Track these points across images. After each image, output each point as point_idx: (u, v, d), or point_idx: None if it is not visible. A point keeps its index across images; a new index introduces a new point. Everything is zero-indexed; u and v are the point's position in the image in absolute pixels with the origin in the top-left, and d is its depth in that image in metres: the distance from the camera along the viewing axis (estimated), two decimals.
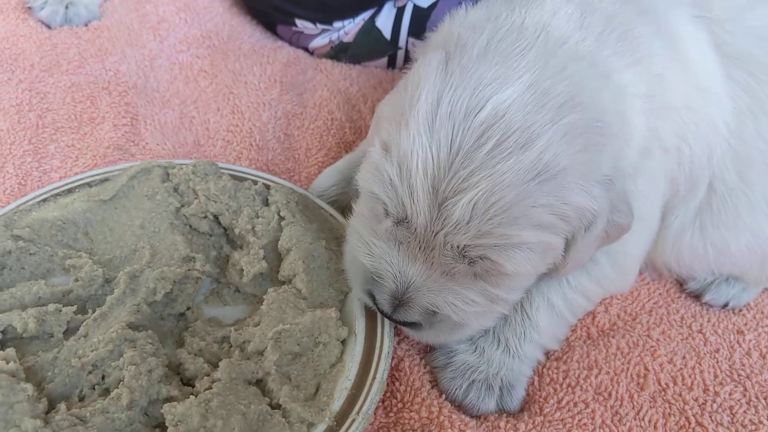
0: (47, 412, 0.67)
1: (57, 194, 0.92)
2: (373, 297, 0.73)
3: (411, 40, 1.29)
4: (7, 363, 0.68)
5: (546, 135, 0.61)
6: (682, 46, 0.80)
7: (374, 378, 0.75)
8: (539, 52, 0.66)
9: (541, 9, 0.71)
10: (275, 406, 0.71)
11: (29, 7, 1.37)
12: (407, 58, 1.32)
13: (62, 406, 0.67)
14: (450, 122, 0.61)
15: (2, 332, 0.74)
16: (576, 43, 0.69)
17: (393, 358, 0.82)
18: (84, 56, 1.27)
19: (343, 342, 0.79)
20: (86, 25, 1.36)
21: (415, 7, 1.27)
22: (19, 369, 0.68)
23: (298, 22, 1.33)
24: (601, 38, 0.71)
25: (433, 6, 1.26)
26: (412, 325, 0.73)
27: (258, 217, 0.89)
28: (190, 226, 0.89)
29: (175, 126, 1.16)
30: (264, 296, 0.82)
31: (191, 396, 0.69)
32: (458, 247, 0.63)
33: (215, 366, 0.74)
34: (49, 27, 1.36)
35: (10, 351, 0.70)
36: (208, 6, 1.45)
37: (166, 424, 0.66)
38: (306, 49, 1.39)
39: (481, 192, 0.59)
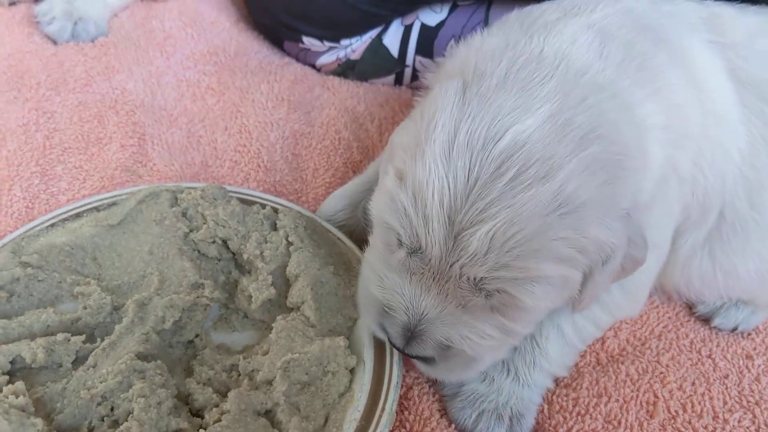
0: None
1: (65, 219, 0.92)
2: (386, 330, 0.71)
3: (418, 58, 1.29)
4: (17, 397, 0.68)
5: (567, 167, 0.59)
6: (698, 75, 0.79)
7: (383, 408, 0.74)
8: (559, 81, 0.64)
9: (560, 37, 0.70)
10: None
11: (37, 22, 1.37)
12: (414, 76, 1.32)
13: None
14: (468, 152, 0.60)
15: (11, 362, 0.73)
16: (596, 73, 0.68)
17: (402, 386, 0.81)
18: (91, 74, 1.27)
19: (352, 371, 0.79)
20: (93, 41, 1.36)
21: (423, 26, 1.27)
22: (28, 403, 0.68)
23: (305, 39, 1.32)
24: (621, 68, 0.70)
25: (440, 24, 1.26)
26: (425, 359, 0.71)
27: (266, 242, 0.89)
28: (199, 251, 0.89)
29: (182, 146, 1.16)
30: (272, 323, 0.82)
31: (201, 429, 0.69)
32: (475, 279, 0.62)
33: (224, 395, 0.74)
34: (55, 43, 1.35)
35: (20, 384, 0.70)
36: (215, 21, 1.45)
37: None
38: (313, 66, 1.38)
39: (499, 223, 0.58)
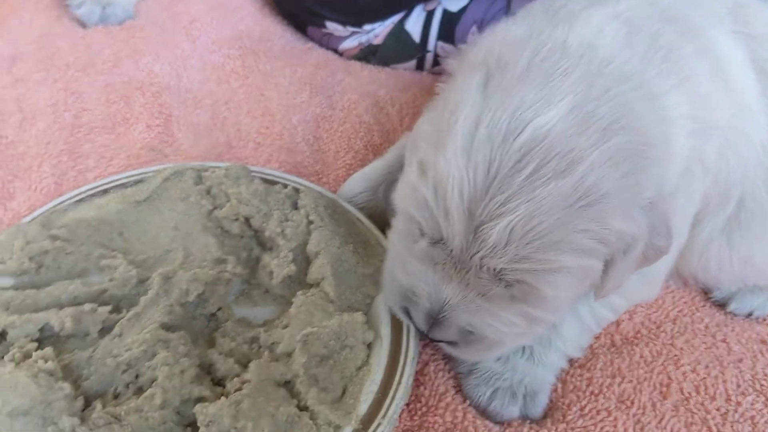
0: (83, 410, 0.70)
1: (92, 195, 0.94)
2: (409, 314, 0.73)
3: (440, 43, 1.30)
4: (46, 362, 0.70)
5: (588, 159, 0.59)
6: (723, 65, 0.79)
7: (400, 382, 0.76)
8: (583, 72, 0.64)
9: (586, 26, 0.70)
10: (303, 408, 0.72)
11: (67, 5, 1.39)
12: (436, 62, 1.33)
13: (98, 404, 0.70)
14: (488, 145, 0.60)
15: (40, 330, 0.76)
16: (621, 63, 0.67)
17: (418, 362, 0.83)
18: (118, 56, 1.29)
19: (369, 345, 0.81)
20: (120, 24, 1.39)
21: (445, 11, 1.28)
22: (57, 368, 0.71)
23: (328, 24, 1.34)
24: (647, 58, 0.69)
25: (462, 10, 1.26)
26: (449, 342, 0.72)
27: (287, 221, 0.91)
28: (222, 228, 0.91)
29: (207, 127, 1.18)
30: (293, 298, 0.84)
31: (222, 397, 0.71)
32: (495, 270, 0.63)
33: (245, 366, 0.76)
34: (83, 26, 1.38)
35: (48, 350, 0.72)
36: (240, 6, 1.47)
37: (198, 424, 0.68)
38: (336, 51, 1.40)
39: (518, 217, 0.59)
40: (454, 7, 1.27)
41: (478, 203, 0.60)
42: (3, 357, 0.72)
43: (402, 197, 0.70)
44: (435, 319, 0.69)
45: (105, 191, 0.95)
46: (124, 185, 0.96)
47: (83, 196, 0.94)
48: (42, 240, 0.84)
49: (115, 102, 1.20)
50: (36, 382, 0.67)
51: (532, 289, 0.63)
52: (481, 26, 1.26)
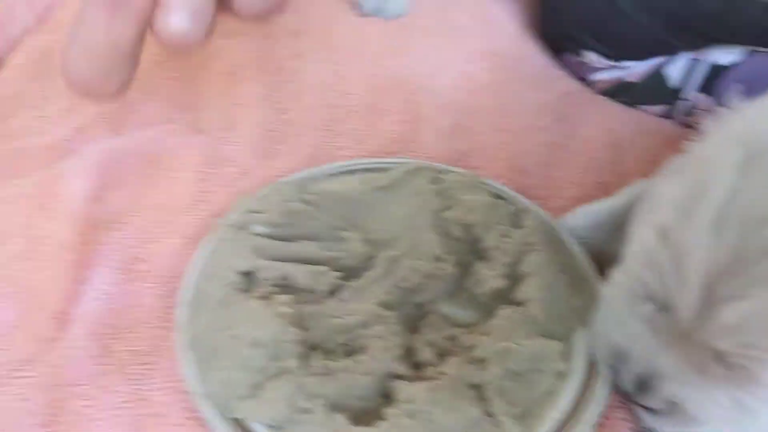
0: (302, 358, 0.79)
1: (342, 172, 1.05)
2: (615, 373, 0.74)
3: (698, 94, 1.26)
4: (283, 306, 0.81)
5: None
6: None
7: (583, 420, 0.78)
8: None
9: None
10: (487, 415, 0.77)
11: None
12: (689, 113, 1.30)
13: (316, 354, 0.79)
14: (740, 225, 0.59)
15: (281, 279, 0.87)
16: None
17: (605, 405, 0.84)
18: (385, 49, 1.40)
19: (561, 376, 0.83)
20: (393, 19, 1.49)
21: (711, 63, 1.24)
22: (291, 313, 0.81)
23: (585, 53, 1.35)
24: None
25: (731, 66, 1.22)
26: (650, 409, 0.73)
27: (507, 237, 0.95)
28: (445, 229, 0.97)
29: (448, 133, 1.24)
30: (494, 310, 0.88)
31: (419, 381, 0.78)
32: (718, 350, 0.62)
33: (442, 358, 0.82)
34: (361, 14, 1.49)
35: (289, 297, 0.83)
36: (502, 23, 1.51)
37: (394, 398, 0.76)
38: (586, 82, 1.41)
39: (759, 303, 0.58)
40: (723, 61, 1.22)
41: (719, 280, 0.60)
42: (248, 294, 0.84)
43: (634, 256, 0.71)
44: (643, 383, 0.70)
45: (352, 171, 1.05)
46: (369, 170, 1.06)
47: (334, 171, 1.05)
48: (297, 202, 0.96)
49: (373, 91, 1.29)
50: (277, 321, 0.78)
51: (752, 376, 0.62)
52: (744, 85, 1.20)
